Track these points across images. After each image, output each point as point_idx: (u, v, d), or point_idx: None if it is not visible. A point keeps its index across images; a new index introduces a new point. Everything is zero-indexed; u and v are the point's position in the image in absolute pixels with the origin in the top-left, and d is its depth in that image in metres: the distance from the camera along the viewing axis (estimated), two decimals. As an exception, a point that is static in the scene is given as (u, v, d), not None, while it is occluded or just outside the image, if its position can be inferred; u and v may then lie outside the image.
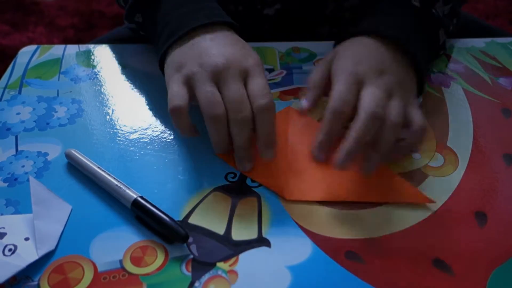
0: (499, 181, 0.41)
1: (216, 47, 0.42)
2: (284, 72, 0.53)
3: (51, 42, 1.45)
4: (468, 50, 0.56)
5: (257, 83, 0.40)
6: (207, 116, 0.39)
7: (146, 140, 0.45)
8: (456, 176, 0.42)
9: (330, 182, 0.41)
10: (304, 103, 0.43)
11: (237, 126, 0.39)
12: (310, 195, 0.40)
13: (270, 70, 0.53)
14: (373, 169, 0.39)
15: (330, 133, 0.40)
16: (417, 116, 0.41)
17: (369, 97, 0.40)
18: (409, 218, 0.38)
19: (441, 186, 0.41)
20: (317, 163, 0.42)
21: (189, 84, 0.40)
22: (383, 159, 0.40)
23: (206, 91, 0.39)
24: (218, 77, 0.40)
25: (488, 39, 0.58)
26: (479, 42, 0.58)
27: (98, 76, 0.53)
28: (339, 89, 0.41)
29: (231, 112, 0.39)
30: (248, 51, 0.43)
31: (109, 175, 0.39)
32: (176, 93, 0.40)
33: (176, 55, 0.43)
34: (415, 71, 0.45)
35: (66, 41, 1.46)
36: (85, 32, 1.51)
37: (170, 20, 0.45)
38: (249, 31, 0.48)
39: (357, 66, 0.42)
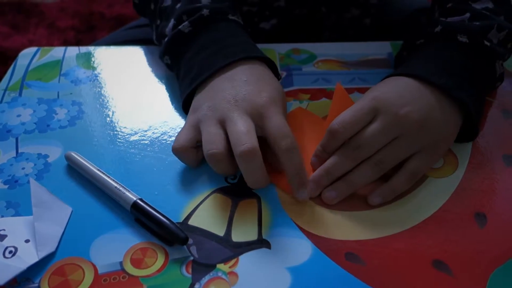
0: (499, 182, 0.41)
1: (228, 89, 0.41)
2: (284, 73, 0.53)
3: (51, 43, 1.46)
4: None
5: (274, 124, 0.39)
6: (205, 154, 0.39)
7: (146, 142, 0.45)
8: (456, 177, 0.42)
9: None
10: None
11: (241, 161, 0.37)
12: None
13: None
14: (337, 200, 0.39)
15: (325, 147, 0.40)
16: (413, 164, 0.39)
17: (369, 131, 0.39)
18: (408, 219, 0.38)
19: (441, 187, 0.41)
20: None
21: (197, 126, 0.41)
22: (350, 191, 0.39)
23: (208, 132, 0.39)
24: (224, 120, 0.39)
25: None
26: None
27: (98, 78, 0.53)
28: (351, 110, 0.40)
29: (234, 146, 0.38)
30: (263, 87, 0.41)
31: (109, 177, 0.40)
32: (180, 135, 0.41)
33: (195, 99, 0.43)
34: (465, 116, 0.43)
35: (67, 42, 1.46)
36: (86, 34, 1.51)
37: (192, 65, 0.45)
38: None
39: (381, 95, 0.40)
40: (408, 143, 0.39)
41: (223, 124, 0.39)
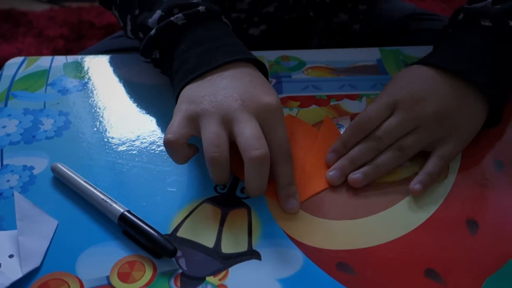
0: (490, 187, 0.41)
1: (232, 88, 0.40)
2: (274, 81, 0.53)
3: (40, 52, 1.44)
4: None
5: (278, 137, 0.38)
6: (206, 157, 0.37)
7: (135, 152, 0.44)
8: (447, 184, 0.41)
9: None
10: None
11: (252, 166, 0.36)
12: (305, 193, 0.40)
13: (259, 79, 0.53)
14: (364, 183, 0.40)
15: (346, 142, 0.42)
16: (441, 149, 0.41)
17: (388, 124, 0.41)
18: (400, 227, 0.38)
19: (432, 194, 0.40)
20: (316, 169, 0.42)
21: (195, 120, 0.38)
22: (375, 176, 0.41)
23: (211, 131, 0.37)
24: (229, 119, 0.38)
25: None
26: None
27: (86, 87, 0.52)
28: (370, 107, 0.43)
29: (245, 150, 0.36)
30: (268, 90, 0.40)
31: (96, 189, 0.39)
32: (175, 126, 0.38)
33: (190, 89, 0.41)
34: (490, 102, 0.43)
35: (56, 51, 1.45)
36: (75, 43, 1.50)
37: (188, 57, 0.43)
38: None
39: (398, 90, 0.43)
40: (427, 133, 0.41)
41: (227, 124, 0.38)
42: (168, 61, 0.46)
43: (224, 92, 0.39)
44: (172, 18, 0.44)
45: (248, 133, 0.37)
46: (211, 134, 0.37)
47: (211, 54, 0.43)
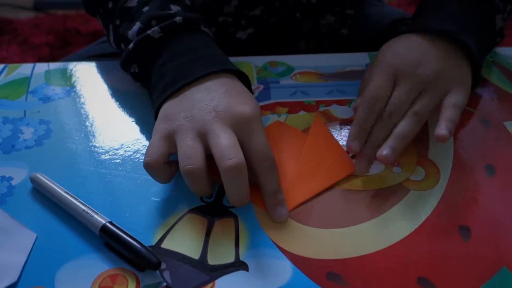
0: (482, 193, 0.40)
1: (207, 100, 0.39)
2: (261, 87, 0.52)
3: (25, 60, 1.42)
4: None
5: (257, 143, 0.37)
6: (181, 170, 0.36)
7: (118, 161, 0.43)
8: (438, 190, 0.40)
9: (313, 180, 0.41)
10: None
11: (227, 176, 0.36)
12: (294, 201, 0.39)
13: (247, 85, 0.52)
14: (394, 156, 0.41)
15: (363, 126, 0.43)
16: (449, 99, 0.43)
17: (396, 97, 0.43)
18: (391, 235, 0.37)
19: (423, 201, 0.40)
20: (305, 176, 0.41)
21: (172, 137, 0.38)
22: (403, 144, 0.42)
23: (186, 145, 0.37)
24: (204, 132, 0.37)
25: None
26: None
27: (68, 95, 0.51)
28: (373, 85, 0.44)
29: (219, 160, 0.36)
30: (244, 100, 0.40)
31: (77, 199, 0.37)
32: (152, 148, 0.38)
33: (168, 106, 0.40)
34: (472, 61, 0.47)
35: (41, 59, 1.43)
36: (60, 50, 1.49)
37: (165, 72, 0.42)
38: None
39: (394, 59, 0.45)
40: (433, 93, 0.44)
41: (202, 137, 0.37)
42: (146, 76, 0.45)
43: (199, 106, 0.39)
44: (149, 32, 0.44)
45: (222, 143, 0.36)
46: (185, 148, 0.37)
47: (188, 68, 0.42)
